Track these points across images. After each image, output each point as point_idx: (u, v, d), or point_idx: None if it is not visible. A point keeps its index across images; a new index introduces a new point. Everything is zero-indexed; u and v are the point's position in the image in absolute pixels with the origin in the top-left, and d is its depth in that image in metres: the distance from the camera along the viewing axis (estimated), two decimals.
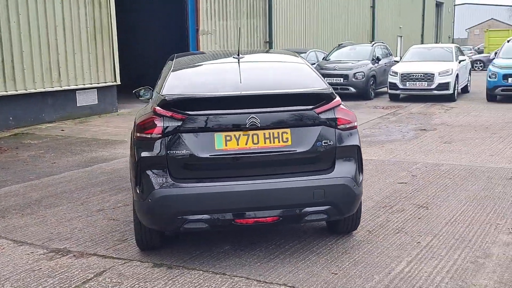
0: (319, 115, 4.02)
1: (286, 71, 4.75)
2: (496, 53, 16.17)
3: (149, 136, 3.96)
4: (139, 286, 3.84)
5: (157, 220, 3.98)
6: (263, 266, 4.10)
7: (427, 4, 42.15)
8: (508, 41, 15.94)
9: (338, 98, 4.19)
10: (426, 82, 14.97)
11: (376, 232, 4.74)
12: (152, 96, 6.15)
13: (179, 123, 3.91)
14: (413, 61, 16.09)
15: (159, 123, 3.94)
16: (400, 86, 15.30)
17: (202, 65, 4.86)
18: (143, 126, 4.02)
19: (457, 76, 15.28)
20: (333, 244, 4.51)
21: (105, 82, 14.15)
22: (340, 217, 4.14)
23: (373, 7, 31.45)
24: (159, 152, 3.92)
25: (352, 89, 16.03)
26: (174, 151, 3.89)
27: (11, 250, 4.65)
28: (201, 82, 4.44)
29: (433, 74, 14.92)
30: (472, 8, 79.93)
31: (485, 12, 76.59)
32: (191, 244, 4.59)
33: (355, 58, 16.98)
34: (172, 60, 5.34)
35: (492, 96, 14.78)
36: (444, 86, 14.83)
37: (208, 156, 3.89)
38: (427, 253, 4.25)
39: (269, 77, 4.60)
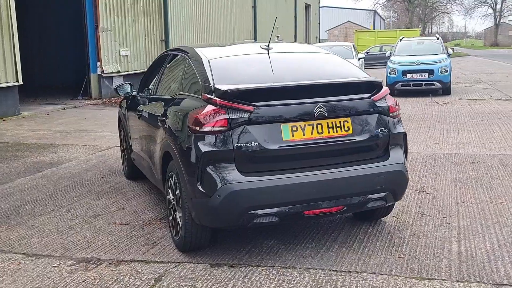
0: (376, 103, 4.11)
1: (323, 62, 4.76)
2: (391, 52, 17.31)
3: (213, 130, 3.78)
4: (215, 286, 3.66)
5: (226, 217, 3.82)
6: (327, 256, 4.10)
7: (298, 6, 43.93)
8: (400, 40, 17.20)
9: (386, 86, 4.31)
10: None
11: (402, 217, 4.93)
12: (130, 92, 5.88)
13: (247, 115, 3.77)
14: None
15: (224, 115, 3.78)
16: None
17: (237, 55, 4.68)
18: (204, 118, 3.81)
19: None
20: (371, 231, 4.62)
21: (6, 82, 13.03)
22: (394, 202, 4.26)
23: (254, 7, 32.11)
24: (226, 145, 3.76)
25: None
26: (241, 144, 3.76)
27: (32, 265, 4.18)
28: (248, 73, 4.29)
29: None
30: (331, 11, 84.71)
31: (343, 15, 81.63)
32: (229, 243, 4.43)
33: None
34: (175, 52, 5.13)
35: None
36: None
37: (276, 147, 3.81)
38: (466, 232, 4.52)
39: (314, 67, 4.59)
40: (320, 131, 3.90)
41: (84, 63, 17.37)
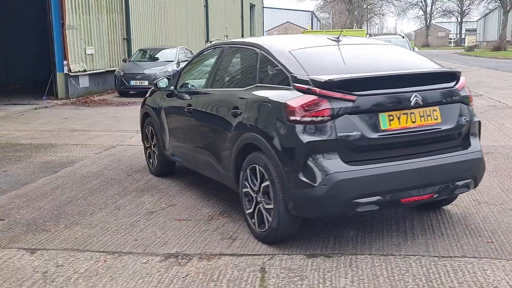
0: (460, 92, 4.29)
1: (396, 53, 4.88)
2: None
3: (316, 119, 3.84)
4: (327, 276, 3.73)
5: (330, 206, 3.88)
6: (417, 243, 4.24)
7: (244, 6, 44.13)
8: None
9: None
10: None
11: (461, 205, 5.14)
12: (169, 86, 5.83)
13: (349, 104, 3.86)
14: None
15: (326, 105, 3.84)
16: None
17: (314, 47, 4.71)
18: (305, 108, 3.86)
19: None
20: (441, 218, 4.80)
21: None
22: (473, 189, 4.45)
23: (206, 6, 32.02)
24: (329, 135, 3.83)
25: None
26: (344, 133, 3.84)
27: (119, 262, 4.10)
28: (334, 63, 4.35)
29: None
30: (271, 11, 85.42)
31: (282, 16, 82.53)
32: (308, 234, 4.49)
33: None
34: (230, 45, 5.15)
35: None
36: None
37: (376, 136, 3.92)
38: None
39: (392, 58, 4.70)
40: (413, 120, 4.04)
41: (42, 62, 16.80)
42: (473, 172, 4.28)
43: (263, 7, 57.11)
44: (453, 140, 4.28)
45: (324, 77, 3.93)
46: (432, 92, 4.14)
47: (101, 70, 18.35)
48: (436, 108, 4.15)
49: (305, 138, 3.85)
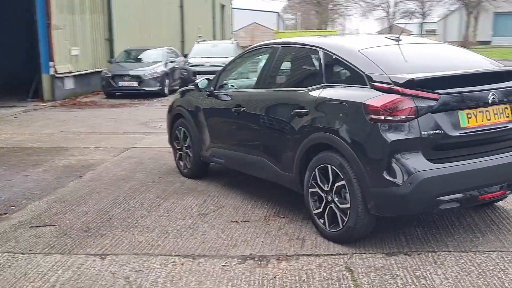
0: None
1: (458, 51, 4.95)
2: None
3: (400, 118, 3.87)
4: (418, 274, 3.76)
5: (415, 205, 3.92)
6: (488, 240, 4.34)
7: (215, 6, 43.99)
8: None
9: None
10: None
11: (510, 200, 5.26)
12: (208, 87, 5.79)
13: (432, 103, 3.90)
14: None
15: (411, 104, 3.88)
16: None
17: (380, 46, 4.69)
18: (389, 107, 3.88)
19: None
20: (499, 214, 4.91)
21: None
22: None
23: (181, 6, 31.77)
24: (413, 133, 3.87)
25: None
26: (427, 132, 3.88)
27: (196, 265, 4.05)
28: (406, 62, 4.38)
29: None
30: (237, 12, 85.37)
31: (249, 17, 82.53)
32: (378, 231, 4.48)
33: None
34: (284, 45, 5.14)
35: None
36: None
37: (458, 134, 3.98)
38: None
39: (458, 56, 4.76)
40: (488, 117, 4.12)
41: (21, 63, 16.35)
42: None
43: (232, 8, 57.06)
44: None
45: (406, 76, 3.96)
46: (505, 90, 4.22)
47: (85, 71, 18.00)
48: (508, 106, 4.24)
49: (390, 137, 3.87)
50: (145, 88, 16.44)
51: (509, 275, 3.68)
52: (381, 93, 4.00)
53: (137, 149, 8.50)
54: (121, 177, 6.72)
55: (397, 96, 3.91)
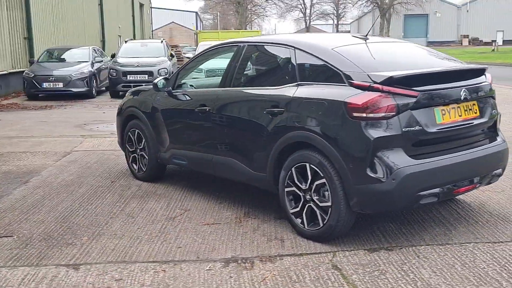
0: (490, 86, 4.57)
1: (423, 50, 5.05)
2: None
3: (381, 115, 3.92)
4: (405, 268, 3.82)
5: (397, 200, 3.98)
6: (462, 232, 4.47)
7: (134, 5, 43.08)
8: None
9: None
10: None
11: (470, 194, 5.45)
12: (166, 86, 5.64)
13: (411, 100, 3.98)
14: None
15: (392, 101, 3.93)
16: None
17: (352, 45, 4.67)
18: (371, 105, 3.91)
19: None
20: (463, 207, 5.09)
21: None
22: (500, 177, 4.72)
23: (100, 5, 30.84)
24: (395, 130, 3.93)
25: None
26: (407, 129, 3.96)
27: (179, 271, 3.91)
28: (379, 60, 4.41)
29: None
30: (155, 11, 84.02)
31: (167, 16, 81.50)
32: (352, 228, 4.52)
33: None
34: (249, 43, 5.08)
35: None
36: None
37: (435, 130, 4.09)
38: None
39: (424, 55, 4.86)
40: (460, 114, 4.26)
41: None
42: (504, 162, 4.59)
43: (151, 7, 56.11)
44: (488, 132, 4.57)
45: (385, 74, 4.01)
46: (474, 87, 4.38)
47: (3, 72, 17.03)
48: (475, 102, 4.41)
49: (373, 134, 3.91)
50: (72, 89, 15.81)
51: (490, 265, 3.82)
52: (361, 91, 4.03)
53: (79, 153, 8.13)
54: (71, 183, 6.38)
55: (378, 93, 3.96)
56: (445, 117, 4.17)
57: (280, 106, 4.50)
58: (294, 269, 3.88)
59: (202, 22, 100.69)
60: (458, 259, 3.94)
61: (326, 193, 4.21)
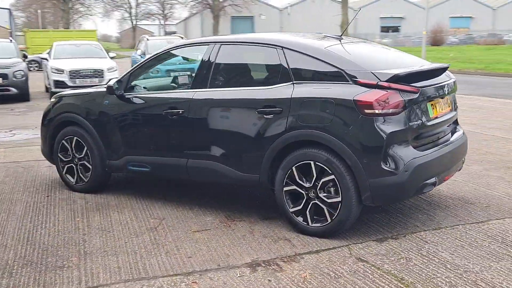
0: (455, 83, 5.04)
1: (391, 50, 5.32)
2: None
3: (392, 111, 4.13)
4: (427, 253, 4.09)
5: (408, 190, 4.23)
6: (446, 215, 4.90)
7: None
8: (148, 39, 17.69)
9: None
10: (97, 79, 15.16)
11: None
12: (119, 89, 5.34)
13: (413, 96, 4.25)
14: (69, 58, 15.88)
15: (399, 97, 4.17)
16: (70, 84, 14.96)
17: (339, 44, 4.72)
18: (382, 101, 4.10)
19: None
20: (433, 193, 5.53)
21: None
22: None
23: None
24: (404, 124, 4.17)
25: (14, 90, 14.61)
26: (412, 123, 4.24)
27: (212, 280, 3.74)
28: (372, 59, 4.65)
29: (103, 70, 15.29)
30: None
31: None
32: None
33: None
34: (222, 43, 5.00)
35: None
36: None
37: (431, 123, 4.43)
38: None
39: (396, 55, 5.13)
40: (442, 108, 4.66)
41: None
42: (466, 150, 5.11)
43: None
44: (456, 125, 5.04)
45: (389, 72, 4.24)
46: (450, 83, 4.80)
47: None
48: (449, 97, 4.84)
49: (386, 129, 4.11)
50: None
51: (491, 243, 4.25)
52: (368, 89, 4.19)
53: None
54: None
55: (387, 90, 4.16)
56: (434, 111, 4.52)
57: (276, 106, 4.48)
58: (324, 266, 3.92)
59: (14, 20, 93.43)
60: (462, 240, 4.31)
61: (332, 189, 4.31)
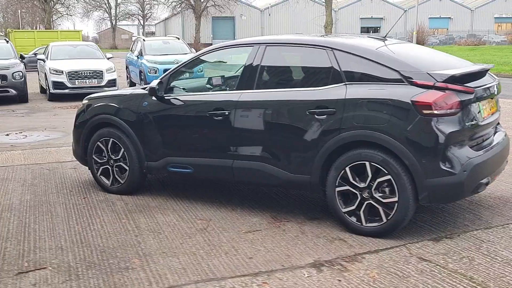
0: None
1: (435, 51, 5.40)
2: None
3: (450, 111, 4.21)
4: (487, 252, 4.16)
5: (466, 190, 4.30)
6: (473, 220, 4.99)
7: None
8: (144, 40, 17.56)
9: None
10: (96, 80, 15.02)
11: None
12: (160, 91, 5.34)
13: (469, 97, 4.32)
14: (67, 59, 15.71)
15: (456, 98, 4.24)
16: (69, 85, 14.81)
17: (384, 46, 4.80)
18: (441, 102, 4.17)
19: None
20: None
21: None
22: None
23: None
24: (461, 124, 4.25)
25: (13, 91, 14.40)
26: (468, 123, 4.32)
27: (281, 281, 3.77)
28: (421, 59, 4.71)
29: (102, 71, 15.14)
30: None
31: None
32: None
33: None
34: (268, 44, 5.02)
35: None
36: (113, 82, 15.26)
37: (484, 123, 4.52)
38: None
39: (437, 54, 5.21)
40: (490, 108, 4.74)
41: None
42: (509, 151, 5.21)
43: None
44: (499, 125, 5.14)
45: (445, 72, 4.32)
46: (497, 83, 4.88)
47: None
48: (495, 98, 4.93)
49: (445, 129, 4.18)
50: None
51: None
52: (426, 90, 4.26)
53: (5, 169, 7.07)
54: (33, 204, 5.56)
55: (445, 91, 4.23)
56: (485, 111, 4.61)
57: (329, 106, 4.53)
58: (388, 266, 3.97)
59: None
60: (509, 240, 4.40)
61: (388, 189, 4.36)
